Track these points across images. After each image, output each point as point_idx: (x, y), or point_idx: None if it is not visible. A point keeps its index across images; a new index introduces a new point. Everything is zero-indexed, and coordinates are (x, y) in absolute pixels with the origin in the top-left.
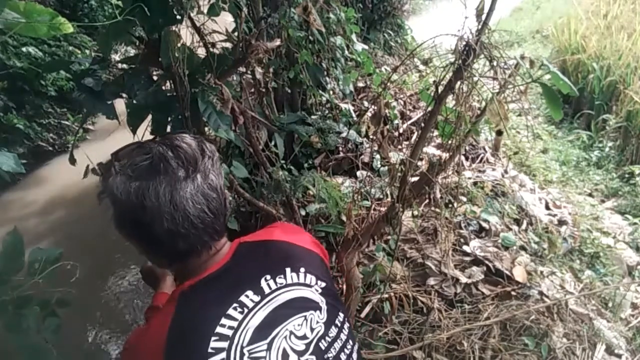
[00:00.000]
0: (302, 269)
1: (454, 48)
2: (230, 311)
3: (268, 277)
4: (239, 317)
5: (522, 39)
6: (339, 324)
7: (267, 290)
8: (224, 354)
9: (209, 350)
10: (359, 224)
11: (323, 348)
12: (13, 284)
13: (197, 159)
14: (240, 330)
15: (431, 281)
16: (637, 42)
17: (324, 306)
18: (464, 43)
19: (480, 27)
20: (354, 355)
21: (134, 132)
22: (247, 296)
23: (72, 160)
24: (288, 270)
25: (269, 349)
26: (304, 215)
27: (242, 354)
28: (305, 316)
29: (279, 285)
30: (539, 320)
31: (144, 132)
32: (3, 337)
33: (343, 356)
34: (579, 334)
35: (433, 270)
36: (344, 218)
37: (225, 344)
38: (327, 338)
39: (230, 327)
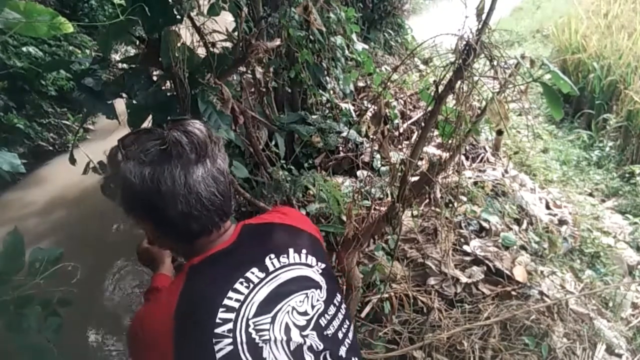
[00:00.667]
0: (304, 250)
1: (454, 48)
2: (237, 285)
3: (272, 256)
4: (245, 291)
5: (522, 38)
6: (337, 304)
7: (271, 268)
8: (230, 325)
9: (217, 320)
10: (359, 223)
11: (323, 325)
12: (14, 283)
13: (207, 144)
14: (246, 303)
15: (431, 281)
16: (637, 42)
17: (324, 285)
18: (464, 43)
19: (480, 26)
20: (350, 334)
21: None
22: (252, 272)
23: (72, 160)
24: (291, 250)
25: (272, 322)
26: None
27: (247, 325)
28: (306, 294)
29: (282, 264)
30: (539, 320)
31: None
32: (4, 336)
33: (340, 334)
34: (579, 334)
35: (433, 270)
36: (344, 218)
37: (232, 315)
38: (326, 315)
39: (237, 300)
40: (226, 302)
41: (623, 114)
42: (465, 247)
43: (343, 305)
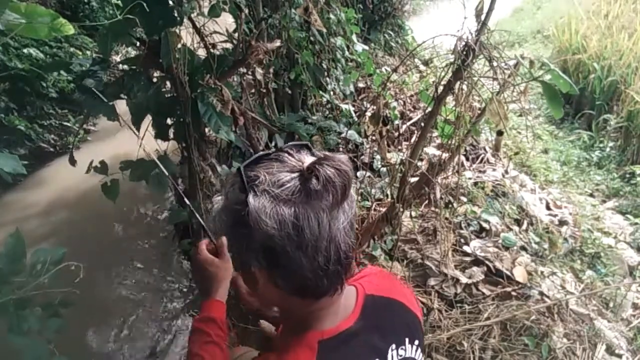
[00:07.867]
0: (416, 342)
1: (453, 48)
2: None
3: (394, 346)
4: None
5: (522, 39)
6: None
7: None
8: None
9: None
10: (358, 224)
11: None
12: (15, 285)
13: (351, 184)
14: None
15: (431, 281)
16: (638, 42)
17: None
18: (463, 43)
19: (479, 27)
20: None
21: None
22: None
23: (73, 161)
24: (407, 340)
25: None
26: None
27: None
28: None
29: (399, 358)
30: (540, 321)
31: (145, 133)
32: (5, 337)
33: None
34: (579, 334)
35: (433, 271)
36: None
37: None
38: None
39: None
40: None
41: (623, 115)
42: (465, 248)
43: None
